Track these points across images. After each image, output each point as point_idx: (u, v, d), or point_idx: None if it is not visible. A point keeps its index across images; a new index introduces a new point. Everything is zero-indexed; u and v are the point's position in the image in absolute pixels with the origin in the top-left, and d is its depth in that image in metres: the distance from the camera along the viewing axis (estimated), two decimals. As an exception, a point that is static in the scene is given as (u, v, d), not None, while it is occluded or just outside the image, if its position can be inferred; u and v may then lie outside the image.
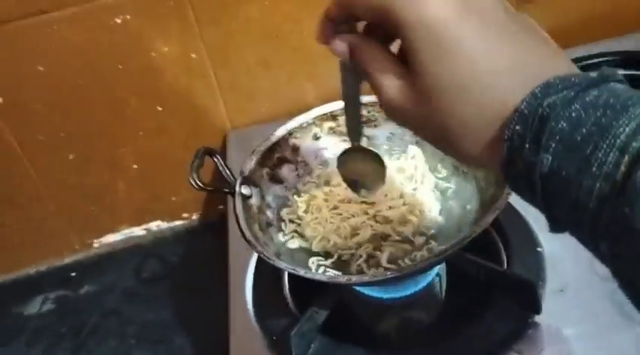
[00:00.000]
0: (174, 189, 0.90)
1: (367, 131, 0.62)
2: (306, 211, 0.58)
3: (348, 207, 0.57)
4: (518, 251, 0.60)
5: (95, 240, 0.92)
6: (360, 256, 0.53)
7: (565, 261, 0.59)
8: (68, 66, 0.76)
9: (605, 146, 0.26)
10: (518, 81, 0.30)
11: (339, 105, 0.64)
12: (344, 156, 0.53)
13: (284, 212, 0.60)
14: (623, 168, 0.26)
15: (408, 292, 0.56)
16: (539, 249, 0.60)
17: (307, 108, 0.64)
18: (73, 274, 0.91)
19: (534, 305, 0.53)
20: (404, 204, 0.56)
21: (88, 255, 0.93)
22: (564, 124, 0.27)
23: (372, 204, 0.57)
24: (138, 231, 0.93)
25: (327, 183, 0.62)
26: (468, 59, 0.31)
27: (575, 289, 0.57)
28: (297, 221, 0.58)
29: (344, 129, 0.64)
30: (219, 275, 0.72)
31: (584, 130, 0.27)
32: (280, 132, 0.62)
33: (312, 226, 0.56)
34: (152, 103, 0.82)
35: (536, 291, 0.53)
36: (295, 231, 0.58)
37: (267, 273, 0.64)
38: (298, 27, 0.80)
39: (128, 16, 0.74)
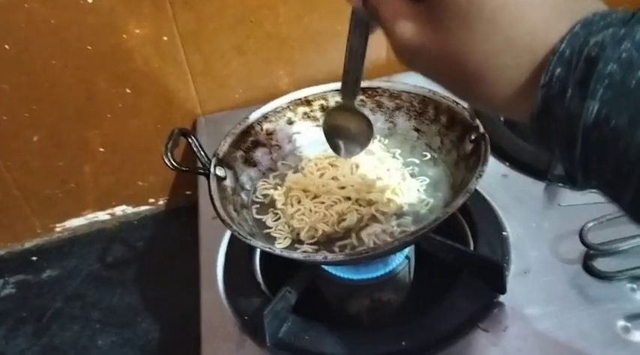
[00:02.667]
0: (141, 174, 0.90)
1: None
2: (285, 204, 0.58)
3: (328, 195, 0.57)
4: (484, 235, 0.62)
5: (58, 224, 0.91)
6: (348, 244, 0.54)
7: (529, 245, 0.62)
8: (36, 45, 0.75)
9: None
10: (552, 15, 0.26)
11: (313, 90, 0.65)
12: (333, 113, 0.52)
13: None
14: None
15: (378, 273, 0.57)
16: (504, 233, 0.63)
17: (280, 94, 0.65)
18: (35, 258, 0.89)
19: (500, 286, 0.56)
20: (383, 186, 0.57)
21: (51, 239, 0.91)
22: (615, 66, 0.24)
23: (346, 188, 0.58)
24: (102, 215, 0.92)
25: (302, 169, 0.63)
26: None
27: (538, 272, 0.59)
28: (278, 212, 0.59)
29: (318, 113, 0.65)
30: (185, 260, 0.72)
31: (638, 73, 0.24)
32: (255, 115, 0.63)
33: (297, 218, 0.56)
34: (121, 86, 0.81)
35: (502, 272, 0.55)
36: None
37: (238, 255, 0.65)
38: (273, 13, 0.81)
39: (100, -4, 0.73)
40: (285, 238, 0.55)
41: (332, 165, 0.61)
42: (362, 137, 0.51)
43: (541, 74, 0.26)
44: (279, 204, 0.59)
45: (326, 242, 0.54)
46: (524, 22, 0.27)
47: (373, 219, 0.55)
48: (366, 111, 0.64)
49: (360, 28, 0.40)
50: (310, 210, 0.57)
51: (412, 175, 0.60)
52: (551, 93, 0.26)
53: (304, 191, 0.59)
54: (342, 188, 0.58)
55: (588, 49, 0.25)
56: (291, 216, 0.57)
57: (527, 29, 0.27)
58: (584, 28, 0.26)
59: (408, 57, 0.32)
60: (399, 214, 0.55)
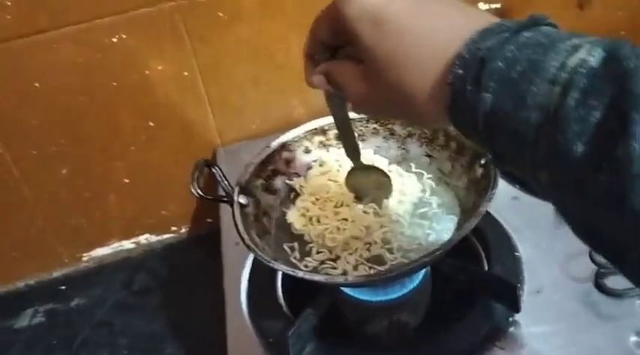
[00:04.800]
0: (164, 203, 0.93)
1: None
2: (305, 225, 0.61)
3: (347, 209, 0.60)
4: (497, 256, 0.64)
5: (85, 254, 0.94)
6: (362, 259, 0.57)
7: (541, 265, 0.63)
8: (64, 83, 0.79)
9: (538, 80, 0.29)
10: (454, 33, 0.33)
11: (328, 120, 0.68)
12: (351, 175, 0.59)
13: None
14: (554, 97, 0.28)
15: (395, 295, 0.59)
16: (517, 254, 0.65)
17: (295, 123, 0.68)
18: (63, 287, 0.92)
19: (515, 305, 0.57)
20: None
21: (78, 268, 0.94)
22: (501, 64, 0.30)
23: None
24: (127, 244, 0.95)
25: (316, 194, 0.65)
26: (404, 28, 0.35)
27: (551, 291, 0.61)
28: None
29: (333, 142, 0.68)
30: (208, 286, 0.74)
31: (518, 67, 0.29)
32: (274, 145, 0.66)
33: (327, 237, 0.59)
34: (144, 119, 0.85)
35: (516, 291, 0.57)
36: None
37: (261, 279, 0.67)
38: (285, 46, 0.84)
39: (124, 36, 0.77)
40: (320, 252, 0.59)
41: (332, 181, 0.64)
42: (383, 186, 0.60)
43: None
44: (298, 225, 0.62)
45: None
46: (433, 43, 0.34)
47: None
48: (379, 139, 0.68)
49: (337, 102, 0.49)
50: (338, 229, 0.60)
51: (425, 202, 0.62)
52: (456, 89, 0.32)
53: (320, 209, 0.62)
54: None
55: (481, 52, 0.31)
56: (319, 235, 0.60)
57: (436, 49, 0.34)
58: (480, 35, 0.32)
59: (363, 107, 0.41)
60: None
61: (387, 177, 0.59)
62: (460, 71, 0.32)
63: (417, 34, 0.35)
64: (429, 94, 0.34)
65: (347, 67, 0.41)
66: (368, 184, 0.59)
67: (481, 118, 0.31)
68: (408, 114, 0.38)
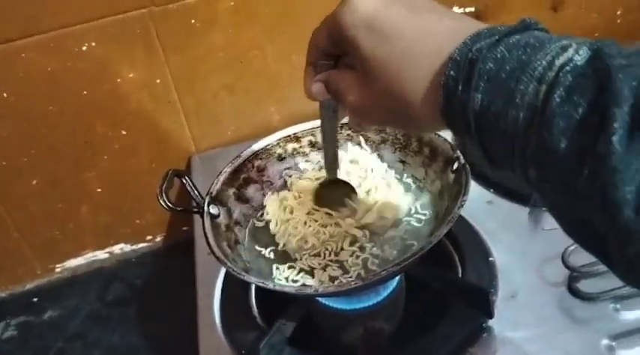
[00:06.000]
0: (138, 212, 0.92)
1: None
2: (277, 209, 0.61)
3: (322, 214, 0.60)
4: (471, 261, 0.64)
5: (58, 265, 0.92)
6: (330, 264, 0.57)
7: (515, 269, 0.63)
8: (34, 92, 0.77)
9: (525, 79, 0.29)
10: (447, 38, 0.34)
11: (301, 127, 0.67)
12: (319, 189, 0.60)
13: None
14: (541, 95, 0.29)
15: (369, 303, 0.59)
16: (490, 259, 0.65)
17: (272, 130, 0.68)
18: (35, 300, 0.90)
19: (487, 311, 0.57)
20: (375, 203, 0.60)
21: (51, 279, 0.93)
22: (491, 65, 0.31)
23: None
24: (101, 254, 0.93)
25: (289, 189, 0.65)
26: (398, 34, 0.36)
27: (525, 295, 0.61)
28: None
29: (307, 149, 0.68)
30: (184, 297, 0.73)
31: (507, 68, 0.30)
32: (246, 153, 0.65)
33: (291, 224, 0.59)
34: (117, 128, 0.84)
35: (489, 298, 0.57)
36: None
37: (234, 290, 0.66)
38: (262, 53, 0.84)
39: (94, 44, 0.76)
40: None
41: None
42: (348, 198, 0.60)
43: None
44: (269, 208, 0.62)
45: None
46: (421, 53, 0.35)
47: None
48: (354, 145, 0.67)
49: (329, 113, 0.49)
50: (305, 223, 0.60)
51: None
52: (449, 90, 0.33)
53: (298, 204, 0.62)
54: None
55: (471, 54, 0.32)
56: (285, 222, 0.60)
57: (429, 52, 0.35)
58: (472, 38, 0.33)
59: (361, 114, 0.41)
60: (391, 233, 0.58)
61: (355, 192, 0.59)
62: (452, 73, 0.33)
63: (411, 39, 0.35)
64: (424, 97, 0.35)
65: (346, 74, 0.41)
66: (335, 199, 0.60)
67: (472, 118, 0.32)
68: (404, 120, 0.39)
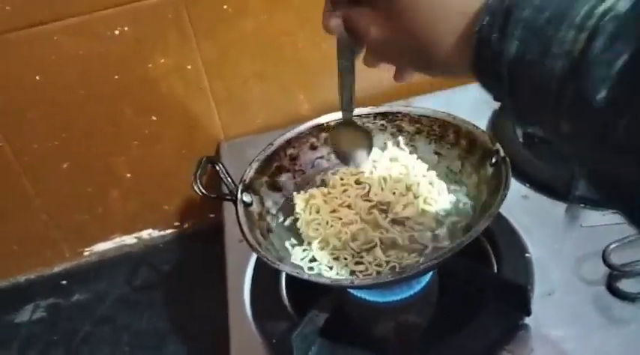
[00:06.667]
0: (166, 198, 0.92)
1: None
2: (304, 209, 0.60)
3: (347, 212, 0.59)
4: (507, 257, 0.63)
5: (86, 249, 0.93)
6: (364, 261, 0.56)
7: (552, 266, 0.62)
8: (65, 76, 0.77)
9: (564, 27, 0.28)
10: None
11: (333, 116, 0.66)
12: (336, 129, 0.58)
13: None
14: (579, 45, 0.28)
15: (403, 296, 0.58)
16: (527, 255, 0.63)
17: (301, 119, 0.67)
18: (64, 282, 0.91)
19: (525, 308, 0.56)
20: (415, 197, 0.59)
21: (79, 263, 0.93)
22: (528, 11, 0.30)
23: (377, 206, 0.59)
24: (129, 239, 0.94)
25: (325, 185, 0.64)
26: None
27: (562, 293, 0.59)
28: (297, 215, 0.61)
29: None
30: (211, 283, 0.73)
31: (545, 15, 0.29)
32: (278, 141, 0.64)
33: (312, 226, 0.58)
34: (147, 113, 0.83)
35: (526, 294, 0.56)
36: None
37: (264, 278, 0.66)
38: (292, 40, 0.83)
39: (126, 28, 0.76)
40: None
41: (358, 183, 0.62)
42: (364, 147, 0.58)
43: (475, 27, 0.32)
44: (298, 208, 0.61)
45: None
46: None
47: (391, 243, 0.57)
48: (387, 135, 0.66)
49: (346, 54, 0.47)
50: (327, 223, 0.59)
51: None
52: (482, 38, 0.32)
53: (324, 202, 0.61)
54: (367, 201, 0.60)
55: (508, 0, 0.31)
56: (308, 223, 0.59)
57: (456, 1, 0.34)
58: None
59: (380, 51, 0.41)
60: (432, 228, 0.57)
61: (370, 138, 0.58)
62: (487, 19, 0.31)
63: None
64: (453, 41, 0.34)
65: (365, 12, 0.40)
66: (351, 141, 0.58)
67: (506, 67, 0.31)
68: (424, 61, 0.37)
